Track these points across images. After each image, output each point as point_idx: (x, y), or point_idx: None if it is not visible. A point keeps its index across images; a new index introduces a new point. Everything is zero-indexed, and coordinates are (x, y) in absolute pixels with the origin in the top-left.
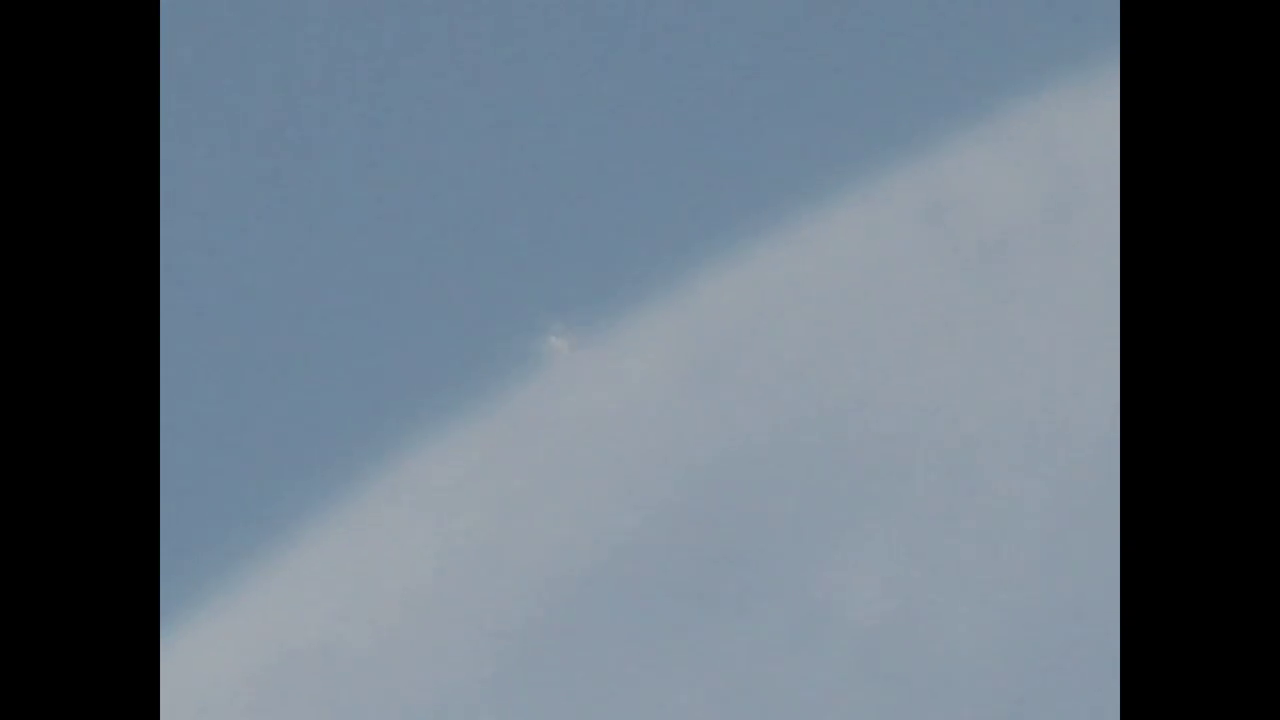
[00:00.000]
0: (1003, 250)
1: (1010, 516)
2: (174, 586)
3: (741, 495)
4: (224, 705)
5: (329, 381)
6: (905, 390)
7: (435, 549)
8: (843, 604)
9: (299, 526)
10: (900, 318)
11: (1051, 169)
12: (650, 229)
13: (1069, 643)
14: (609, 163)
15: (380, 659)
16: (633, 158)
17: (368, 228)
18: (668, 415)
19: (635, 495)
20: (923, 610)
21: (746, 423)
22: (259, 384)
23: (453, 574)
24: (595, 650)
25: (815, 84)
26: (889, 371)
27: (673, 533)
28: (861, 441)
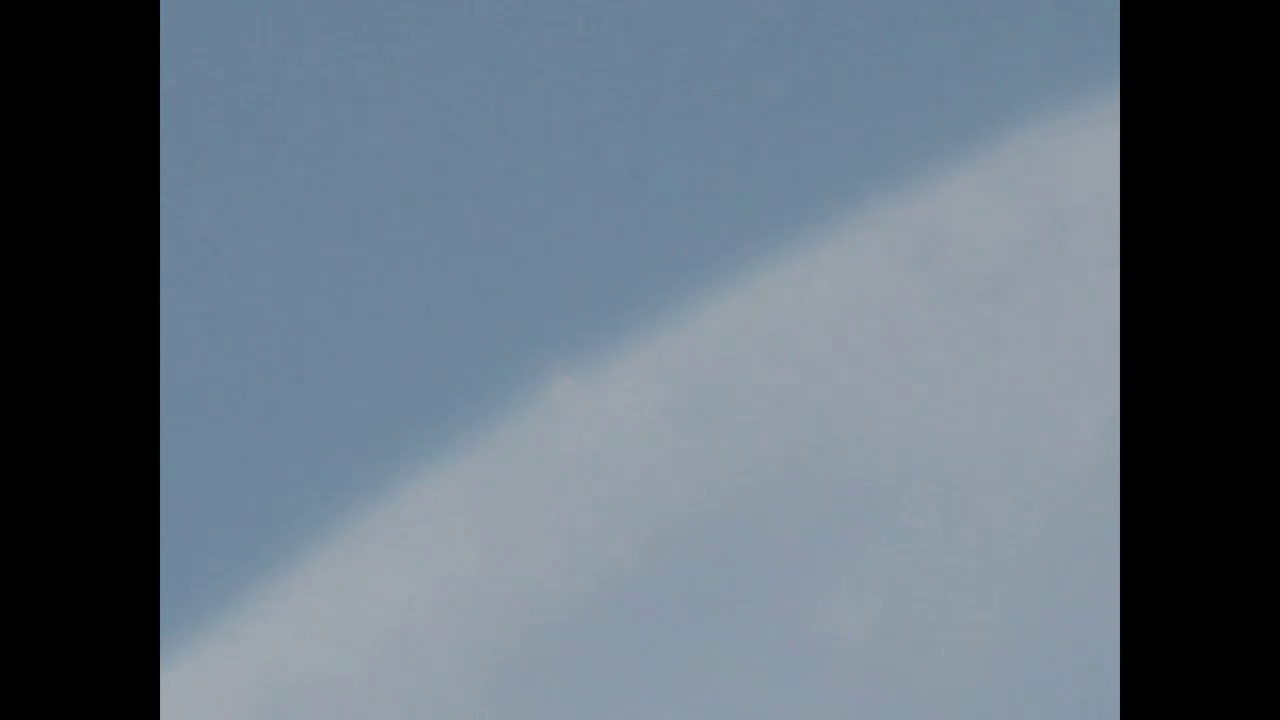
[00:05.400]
0: (995, 281)
1: (1004, 544)
2: (170, 617)
3: (736, 525)
4: None
5: (327, 412)
6: (900, 420)
7: (431, 579)
8: (835, 622)
9: (296, 557)
10: (895, 349)
11: (1044, 201)
12: (645, 263)
13: (1063, 663)
14: (602, 197)
15: (376, 688)
16: (625, 192)
17: (366, 256)
18: (662, 447)
19: (629, 526)
20: (915, 626)
21: (744, 451)
22: (253, 409)
23: (448, 604)
24: (589, 679)
25: (807, 117)
26: (883, 402)
27: (668, 560)
28: (855, 472)
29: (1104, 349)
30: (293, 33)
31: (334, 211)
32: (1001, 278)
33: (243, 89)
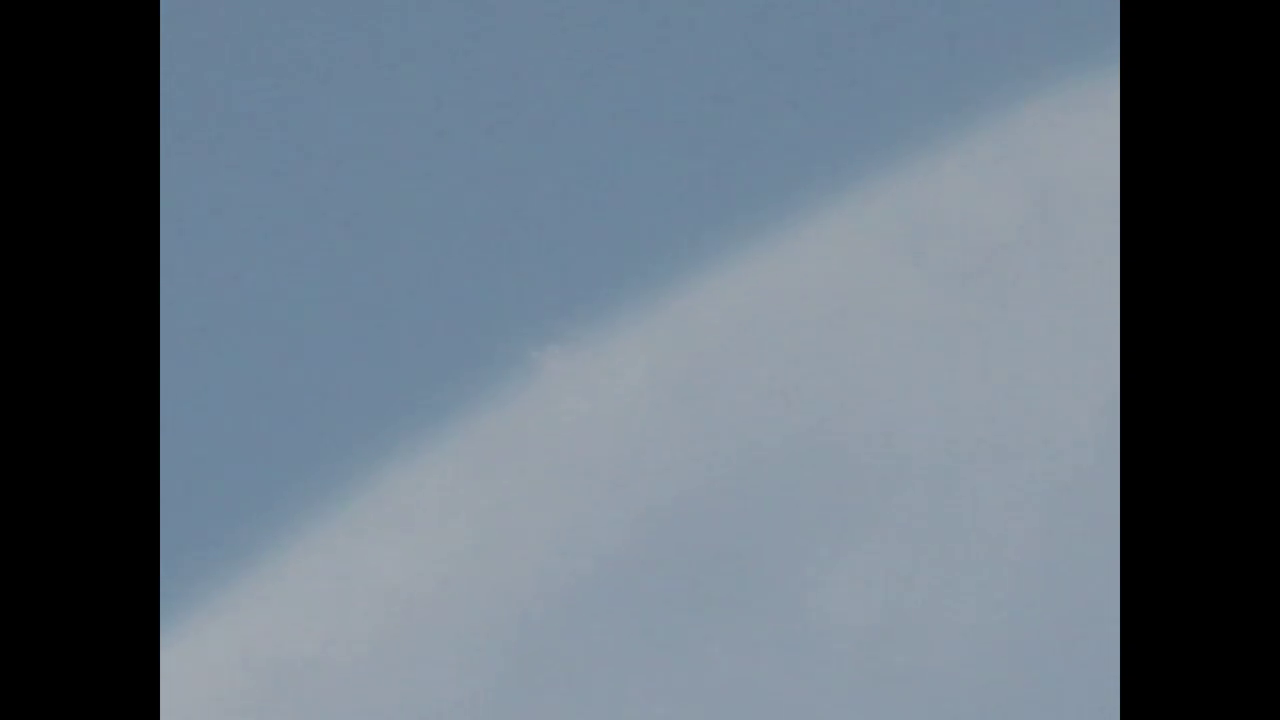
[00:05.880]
0: (992, 265)
1: (1000, 525)
2: (166, 599)
3: (731, 504)
4: (217, 714)
5: (320, 393)
6: (895, 402)
7: (427, 557)
8: (832, 609)
9: (290, 538)
10: (890, 331)
11: (1041, 183)
12: (638, 242)
13: (1061, 645)
14: (596, 178)
15: (373, 668)
16: (619, 174)
17: (360, 237)
18: (656, 425)
19: (624, 504)
20: (911, 614)
21: (736, 433)
22: (249, 392)
23: (444, 583)
24: (586, 656)
25: (800, 99)
26: (878, 383)
27: (662, 541)
28: (851, 452)
29: (1103, 333)
30: (292, 30)
31: (325, 193)
32: (998, 261)
33: (242, 86)
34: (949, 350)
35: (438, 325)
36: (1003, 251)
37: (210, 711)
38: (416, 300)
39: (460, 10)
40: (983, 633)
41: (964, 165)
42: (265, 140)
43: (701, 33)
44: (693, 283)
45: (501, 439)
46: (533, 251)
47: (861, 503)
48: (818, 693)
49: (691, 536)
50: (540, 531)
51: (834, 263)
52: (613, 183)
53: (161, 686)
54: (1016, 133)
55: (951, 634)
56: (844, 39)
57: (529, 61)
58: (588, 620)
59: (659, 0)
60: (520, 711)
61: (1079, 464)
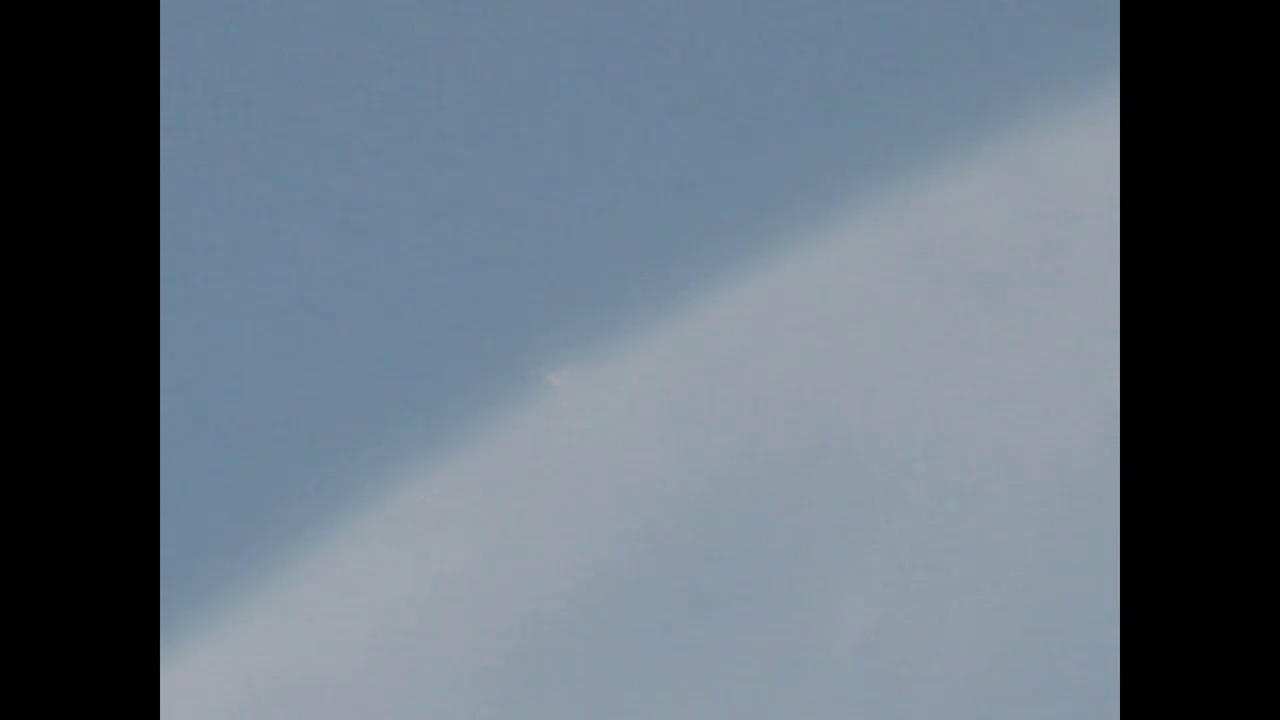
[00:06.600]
0: (995, 281)
1: (1002, 535)
2: (167, 616)
3: (736, 517)
4: None
5: (323, 410)
6: (898, 418)
7: (428, 578)
8: (834, 617)
9: (292, 556)
10: (894, 348)
11: (1044, 200)
12: (645, 261)
13: (1062, 653)
14: (604, 193)
15: (375, 683)
16: (627, 189)
17: (363, 253)
18: (662, 444)
19: (630, 522)
20: (914, 622)
21: (741, 448)
22: (254, 411)
23: (445, 603)
24: (588, 675)
25: (808, 117)
26: (882, 400)
27: (666, 555)
28: (855, 465)
29: (1104, 348)
30: (292, 29)
31: (332, 208)
32: (1001, 277)
33: (242, 86)
34: (953, 362)
35: (446, 341)
36: (1010, 266)
37: None
38: (424, 316)
39: (470, 12)
40: (984, 640)
41: (972, 181)
42: (269, 143)
43: (710, 49)
44: (700, 298)
45: (508, 454)
46: (541, 267)
47: (865, 513)
48: (820, 700)
49: (696, 550)
50: (545, 546)
51: (841, 280)
52: (621, 198)
53: (162, 703)
54: (1024, 149)
55: (953, 641)
56: (851, 58)
57: (538, 73)
58: (591, 634)
59: (669, 12)
60: None
61: (1082, 476)
